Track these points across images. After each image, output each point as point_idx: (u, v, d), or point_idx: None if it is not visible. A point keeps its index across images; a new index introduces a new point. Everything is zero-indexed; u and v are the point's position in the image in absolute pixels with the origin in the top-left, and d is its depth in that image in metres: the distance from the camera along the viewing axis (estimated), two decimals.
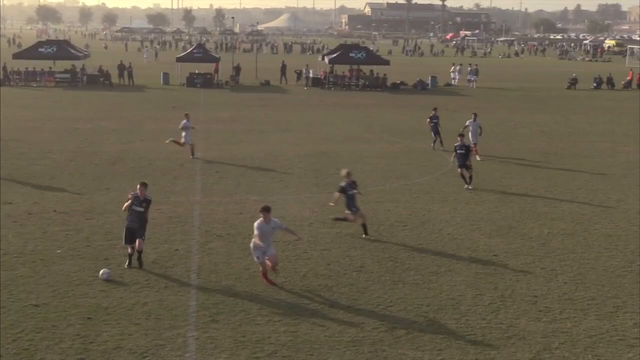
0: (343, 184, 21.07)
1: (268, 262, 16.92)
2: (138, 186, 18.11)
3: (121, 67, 67.91)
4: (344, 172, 21.53)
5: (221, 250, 19.49)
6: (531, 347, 14.05)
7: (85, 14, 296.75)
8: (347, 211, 21.02)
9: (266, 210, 16.78)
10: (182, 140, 31.91)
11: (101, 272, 17.23)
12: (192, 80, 65.48)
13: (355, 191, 21.02)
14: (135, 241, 17.90)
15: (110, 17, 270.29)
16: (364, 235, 20.85)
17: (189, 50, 77.11)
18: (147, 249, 19.31)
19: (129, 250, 18.08)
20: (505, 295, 16.68)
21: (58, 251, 19.12)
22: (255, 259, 17.10)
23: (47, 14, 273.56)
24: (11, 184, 26.45)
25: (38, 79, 64.49)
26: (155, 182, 27.22)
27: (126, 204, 18.24)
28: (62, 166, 29.38)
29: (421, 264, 18.76)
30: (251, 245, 17.07)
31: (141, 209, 18.02)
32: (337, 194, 21.25)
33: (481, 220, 22.89)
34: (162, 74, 67.96)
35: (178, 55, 74.90)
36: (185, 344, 13.94)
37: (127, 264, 18.08)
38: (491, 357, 13.61)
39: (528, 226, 22.36)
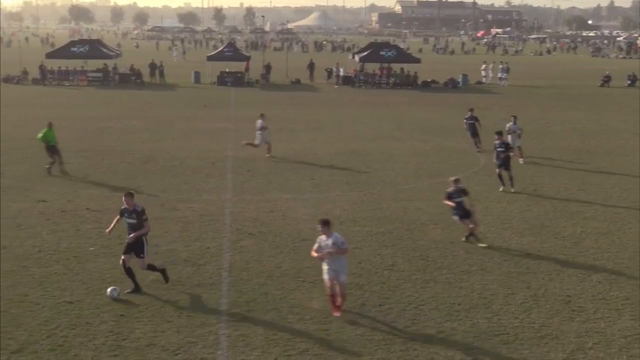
0: (450, 190, 20.37)
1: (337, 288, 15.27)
2: (123, 197, 16.66)
3: (152, 66, 68.36)
4: (451, 179, 20.70)
5: (252, 249, 19.53)
6: (564, 347, 13.92)
7: (117, 13, 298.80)
8: (454, 217, 20.43)
9: (323, 223, 15.31)
10: (256, 141, 31.93)
11: (109, 290, 16.03)
12: (223, 79, 65.78)
13: (462, 198, 20.18)
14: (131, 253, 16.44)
15: (141, 16, 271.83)
16: (463, 239, 20.27)
17: (219, 49, 77.38)
18: (179, 247, 19.48)
19: (121, 260, 16.45)
20: (538, 294, 16.54)
21: (91, 249, 19.28)
22: (325, 277, 15.34)
23: (79, 13, 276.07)
24: (45, 182, 26.73)
25: (71, 78, 65.07)
26: (186, 180, 27.43)
27: (114, 220, 17.06)
28: (95, 165, 29.60)
29: (452, 262, 18.68)
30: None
31: (133, 221, 16.38)
32: (445, 202, 20.57)
33: (513, 219, 22.74)
34: (193, 72, 68.26)
35: (209, 54, 75.19)
36: (217, 341, 13.99)
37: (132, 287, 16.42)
38: (524, 357, 13.51)
39: (561, 225, 22.17)
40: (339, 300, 15.23)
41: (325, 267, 15.19)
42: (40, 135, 28.38)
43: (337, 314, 15.09)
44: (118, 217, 16.83)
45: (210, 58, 70.89)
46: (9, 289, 16.39)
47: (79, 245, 19.62)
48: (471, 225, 20.22)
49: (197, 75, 67.81)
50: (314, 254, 15.40)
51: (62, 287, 16.45)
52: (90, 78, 65.10)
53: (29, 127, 39.48)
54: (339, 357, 13.49)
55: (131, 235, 16.36)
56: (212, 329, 14.52)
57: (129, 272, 16.33)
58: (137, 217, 16.37)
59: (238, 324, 14.77)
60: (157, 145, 34.84)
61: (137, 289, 16.34)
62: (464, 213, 20.23)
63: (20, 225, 21.29)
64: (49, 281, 16.90)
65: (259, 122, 32.07)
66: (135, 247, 16.38)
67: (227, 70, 66.65)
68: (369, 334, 14.33)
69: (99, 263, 18.15)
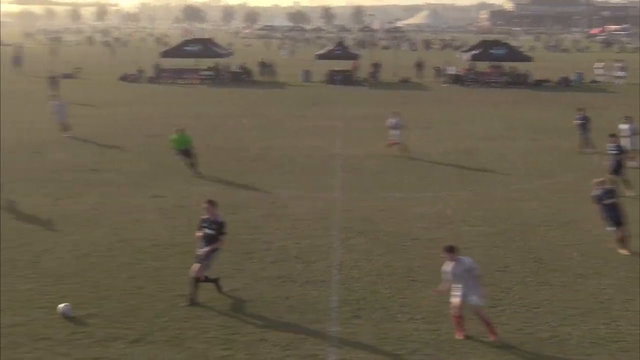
0: (597, 192, 19.53)
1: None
2: (205, 205, 16.22)
3: (262, 65, 69.25)
4: (596, 181, 19.87)
5: (362, 247, 19.53)
6: None
7: (228, 13, 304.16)
8: (608, 228, 19.40)
9: (448, 250, 14.18)
10: (395, 139, 31.87)
11: (62, 307, 15.00)
12: (332, 78, 66.01)
13: (613, 200, 19.29)
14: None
15: (251, 15, 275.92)
16: (622, 251, 19.12)
17: (329, 48, 77.75)
18: (289, 244, 19.65)
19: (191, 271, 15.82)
20: None
21: None
22: (454, 299, 14.27)
23: (192, 13, 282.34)
24: (162, 178, 27.43)
25: (184, 77, 66.55)
26: (296, 177, 27.67)
27: (197, 233, 16.21)
28: (207, 162, 30.14)
29: (567, 265, 18.20)
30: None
31: (211, 232, 15.79)
32: (595, 205, 19.67)
33: (630, 222, 21.95)
34: (302, 71, 68.81)
35: (318, 53, 75.63)
36: (327, 338, 14.05)
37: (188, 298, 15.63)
38: None
39: None
40: (488, 327, 14.06)
41: (454, 291, 14.21)
42: (174, 138, 28.58)
43: (492, 338, 13.94)
44: (200, 233, 16.04)
45: (319, 57, 71.34)
46: (127, 281, 16.92)
47: (193, 240, 19.95)
48: (626, 234, 19.20)
49: (306, 73, 68.30)
50: (443, 288, 14.43)
51: (176, 281, 16.80)
52: (202, 76, 66.40)
53: (145, 124, 40.72)
54: (450, 358, 13.35)
55: (204, 249, 15.74)
56: (323, 325, 14.59)
57: (206, 279, 15.81)
58: (217, 229, 15.72)
59: (348, 321, 14.80)
60: (268, 143, 35.27)
61: (193, 300, 15.59)
62: (617, 217, 19.15)
63: (138, 220, 21.93)
64: (163, 274, 17.34)
65: (394, 120, 31.85)
66: (204, 259, 15.73)
67: (336, 69, 66.88)
68: (480, 335, 14.10)
69: None
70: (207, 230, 15.80)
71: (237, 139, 36.30)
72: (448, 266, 14.13)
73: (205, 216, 15.98)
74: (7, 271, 17.47)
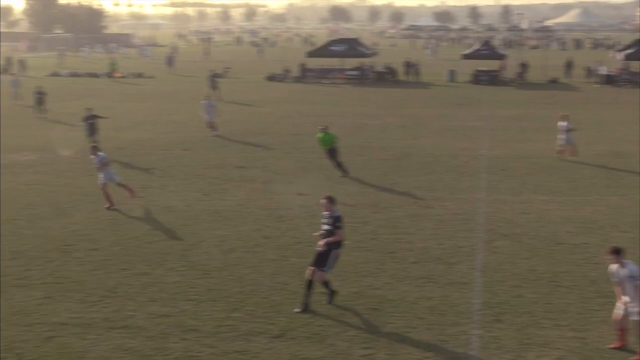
0: None
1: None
2: (323, 201, 15.70)
3: (407, 64, 69.08)
4: None
5: (506, 250, 19.16)
6: None
7: (374, 13, 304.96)
8: None
9: (613, 252, 13.22)
10: (566, 143, 30.93)
11: None
12: (478, 78, 65.08)
13: None
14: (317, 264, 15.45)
15: (397, 15, 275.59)
16: None
17: (475, 48, 76.66)
18: (432, 245, 19.51)
19: (307, 274, 15.60)
20: None
21: (345, 242, 19.71)
22: (617, 310, 13.46)
23: (338, 13, 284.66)
24: (305, 176, 27.84)
25: (329, 76, 67.25)
26: (440, 178, 27.46)
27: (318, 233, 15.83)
28: (350, 160, 30.32)
29: None
30: None
31: (328, 227, 15.39)
32: None
33: None
34: (447, 71, 68.16)
35: (464, 52, 74.74)
36: (468, 341, 13.87)
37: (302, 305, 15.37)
38: None
39: None
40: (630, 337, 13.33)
41: (620, 302, 13.37)
42: (320, 137, 28.62)
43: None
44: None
45: (465, 56, 70.47)
46: (271, 277, 17.26)
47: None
48: None
49: (452, 73, 67.63)
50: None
51: None
52: (347, 76, 66.88)
53: (290, 123, 41.43)
54: None
55: (321, 242, 15.44)
56: (464, 328, 14.41)
57: (325, 285, 15.55)
58: (333, 223, 15.39)
59: (490, 325, 14.55)
60: (412, 143, 35.15)
61: (305, 307, 15.29)
62: None
63: (282, 217, 22.33)
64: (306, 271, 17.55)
65: (563, 123, 31.01)
66: (320, 258, 15.40)
67: (482, 69, 65.89)
68: (628, 347, 13.53)
69: (352, 257, 18.50)
70: (325, 226, 15.51)
71: (381, 138, 36.35)
72: (612, 268, 13.38)
73: (325, 212, 15.64)
74: (158, 264, 18.19)
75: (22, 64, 79.17)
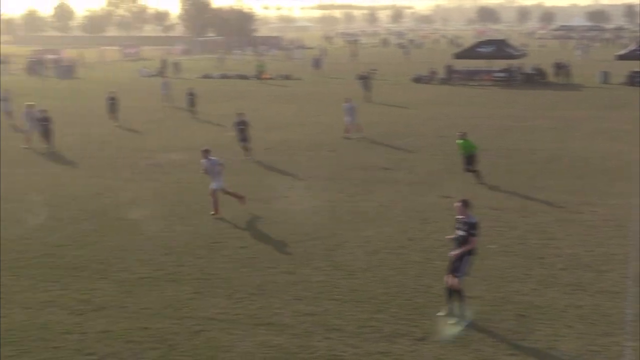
0: None
1: None
2: (458, 205, 15.18)
3: (557, 66, 67.17)
4: None
5: None
6: None
7: (523, 13, 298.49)
8: None
9: None
10: None
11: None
12: (633, 79, 62.44)
13: None
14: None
15: (547, 15, 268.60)
16: None
17: (630, 48, 73.66)
18: (581, 251, 18.88)
19: (445, 281, 15.12)
20: None
21: (491, 246, 19.38)
22: None
23: (486, 14, 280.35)
24: (451, 178, 27.53)
25: (476, 78, 66.28)
26: (591, 182, 26.58)
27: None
28: (495, 164, 29.81)
29: None
30: None
31: (462, 233, 14.80)
32: None
33: None
34: (599, 72, 65.85)
35: (618, 53, 71.99)
36: (622, 353, 13.32)
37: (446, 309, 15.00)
38: None
39: None
40: None
41: None
42: (459, 143, 27.93)
43: None
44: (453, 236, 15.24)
45: (619, 57, 67.81)
46: (415, 279, 17.17)
47: (479, 242, 19.80)
48: None
49: (605, 74, 65.25)
50: None
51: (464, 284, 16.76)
52: (494, 78, 65.67)
53: (436, 125, 41.13)
54: None
55: (454, 252, 14.90)
56: (617, 339, 13.84)
57: (449, 293, 14.98)
58: (467, 230, 14.74)
59: None
60: (561, 145, 34.16)
61: (450, 312, 14.93)
62: None
63: (427, 219, 22.18)
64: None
65: None
66: (454, 265, 14.86)
67: (638, 70, 63.19)
68: None
69: (499, 261, 18.21)
70: (460, 232, 14.91)
71: (529, 141, 35.52)
72: None
73: (459, 217, 15.11)
74: (303, 263, 18.43)
75: (177, 66, 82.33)
